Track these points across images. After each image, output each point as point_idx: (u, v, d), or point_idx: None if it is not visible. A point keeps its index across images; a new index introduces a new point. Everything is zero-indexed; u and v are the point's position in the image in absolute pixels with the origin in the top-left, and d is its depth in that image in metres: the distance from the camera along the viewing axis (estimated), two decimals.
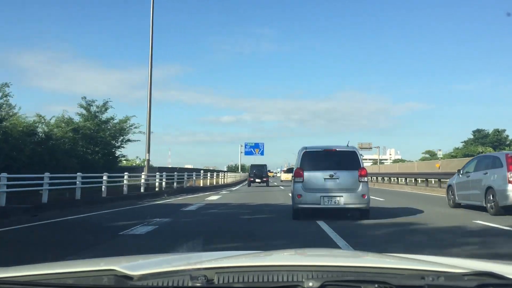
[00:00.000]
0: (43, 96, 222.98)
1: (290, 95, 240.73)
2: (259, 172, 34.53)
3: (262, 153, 68.77)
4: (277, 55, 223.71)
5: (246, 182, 37.28)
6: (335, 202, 9.36)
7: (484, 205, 11.47)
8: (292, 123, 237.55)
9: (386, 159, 72.20)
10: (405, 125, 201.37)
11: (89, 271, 1.59)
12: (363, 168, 9.66)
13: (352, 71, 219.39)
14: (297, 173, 9.69)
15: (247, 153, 69.16)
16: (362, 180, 9.49)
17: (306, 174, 9.56)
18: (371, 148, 68.63)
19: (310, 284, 1.36)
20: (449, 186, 14.09)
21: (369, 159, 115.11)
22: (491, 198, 11.19)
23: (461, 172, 13.32)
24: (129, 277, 1.44)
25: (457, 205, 13.18)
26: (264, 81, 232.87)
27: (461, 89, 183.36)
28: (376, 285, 1.37)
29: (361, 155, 9.79)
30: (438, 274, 1.42)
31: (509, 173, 10.80)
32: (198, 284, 1.39)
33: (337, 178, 9.43)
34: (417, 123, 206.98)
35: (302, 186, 9.54)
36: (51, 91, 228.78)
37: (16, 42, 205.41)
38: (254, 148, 69.54)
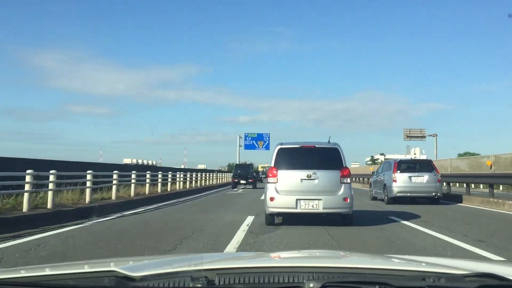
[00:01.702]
0: (62, 96, 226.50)
1: (307, 95, 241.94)
2: (244, 173, 31.01)
3: (267, 147, 53.66)
4: (294, 55, 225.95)
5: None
6: (313, 206, 8.34)
7: (383, 198, 15.78)
8: (309, 123, 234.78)
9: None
10: (425, 125, 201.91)
11: (90, 272, 1.60)
12: (346, 167, 8.64)
13: (371, 71, 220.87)
14: (270, 172, 8.68)
15: (247, 146, 54.71)
16: (344, 181, 8.47)
17: (281, 173, 8.52)
18: (424, 137, 51.29)
19: (311, 285, 1.36)
20: (370, 184, 18.87)
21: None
22: (385, 192, 15.49)
23: (375, 174, 17.98)
24: (129, 279, 1.44)
25: (374, 198, 17.22)
26: (281, 81, 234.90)
27: (483, 89, 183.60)
28: (377, 286, 1.37)
29: (343, 152, 8.84)
30: (439, 275, 1.42)
31: (393, 174, 15.10)
32: (199, 285, 1.39)
33: (316, 179, 8.39)
34: (438, 124, 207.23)
35: (275, 187, 8.50)
36: (70, 91, 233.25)
37: (36, 42, 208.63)
38: (256, 140, 54.47)
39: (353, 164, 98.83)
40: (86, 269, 1.70)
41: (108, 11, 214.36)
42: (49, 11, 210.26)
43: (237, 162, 49.97)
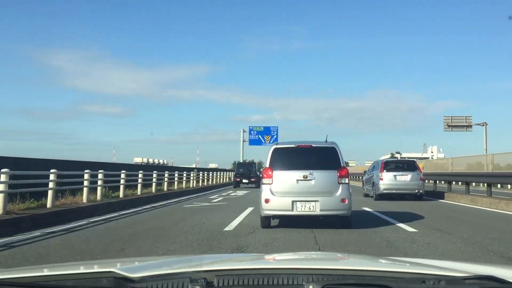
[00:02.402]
0: (76, 95, 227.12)
1: (320, 93, 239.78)
2: (247, 171, 30.03)
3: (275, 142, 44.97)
4: (307, 53, 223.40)
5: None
6: (309, 208, 8.04)
7: (372, 195, 17.47)
8: (322, 122, 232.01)
9: (427, 158, 64.30)
10: (441, 124, 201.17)
11: (88, 273, 1.59)
12: (344, 167, 8.36)
13: (385, 68, 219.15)
14: (265, 173, 8.40)
15: (252, 142, 47.00)
16: (342, 181, 8.17)
17: (276, 174, 8.23)
18: (470, 126, 41.34)
19: (310, 287, 1.36)
20: (363, 182, 20.60)
21: (415, 158, 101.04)
22: (374, 189, 17.22)
23: (367, 173, 19.86)
24: (128, 280, 1.44)
25: (366, 195, 18.75)
26: (294, 80, 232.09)
27: (498, 87, 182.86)
28: None
29: (341, 152, 8.55)
30: (439, 278, 1.41)
31: (380, 173, 16.81)
32: (198, 287, 1.38)
33: (313, 179, 8.10)
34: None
35: (270, 188, 8.21)
36: (84, 90, 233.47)
37: (51, 42, 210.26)
38: (262, 134, 46.80)
39: (368, 163, 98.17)
40: (85, 269, 1.70)
41: (120, 11, 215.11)
42: (62, 11, 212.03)
43: (241, 160, 45.45)
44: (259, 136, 46.76)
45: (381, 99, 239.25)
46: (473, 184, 23.67)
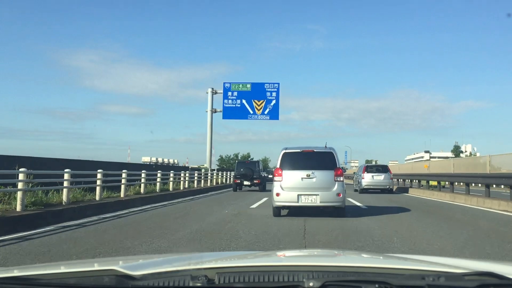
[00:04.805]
0: (96, 95, 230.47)
1: (340, 93, 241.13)
2: (248, 172, 24.88)
3: (273, 114, 28.60)
4: (327, 53, 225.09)
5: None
6: (311, 200, 9.96)
7: (358, 190, 23.94)
8: (342, 123, 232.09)
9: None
10: (465, 124, 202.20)
11: (90, 271, 1.60)
12: (339, 168, 10.28)
13: (407, 68, 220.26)
14: (276, 172, 10.45)
15: (229, 112, 28.51)
16: (338, 179, 10.08)
17: (285, 173, 10.19)
18: None
19: (311, 284, 1.36)
20: (354, 180, 27.78)
21: (439, 157, 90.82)
22: (358, 185, 23.94)
23: (356, 173, 27.36)
24: (130, 277, 1.45)
25: (356, 190, 24.44)
26: (313, 80, 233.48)
27: None
28: (377, 285, 1.37)
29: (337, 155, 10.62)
30: (438, 274, 1.41)
31: (362, 174, 23.50)
32: (199, 284, 1.39)
33: (314, 178, 10.02)
34: (477, 122, 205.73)
35: (280, 184, 10.17)
36: (104, 90, 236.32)
37: (71, 43, 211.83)
38: (249, 98, 28.10)
39: (391, 163, 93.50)
40: (87, 267, 1.70)
41: (140, 12, 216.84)
42: (83, 12, 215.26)
43: (208, 150, 32.10)
44: (243, 101, 27.69)
45: (401, 99, 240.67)
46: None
